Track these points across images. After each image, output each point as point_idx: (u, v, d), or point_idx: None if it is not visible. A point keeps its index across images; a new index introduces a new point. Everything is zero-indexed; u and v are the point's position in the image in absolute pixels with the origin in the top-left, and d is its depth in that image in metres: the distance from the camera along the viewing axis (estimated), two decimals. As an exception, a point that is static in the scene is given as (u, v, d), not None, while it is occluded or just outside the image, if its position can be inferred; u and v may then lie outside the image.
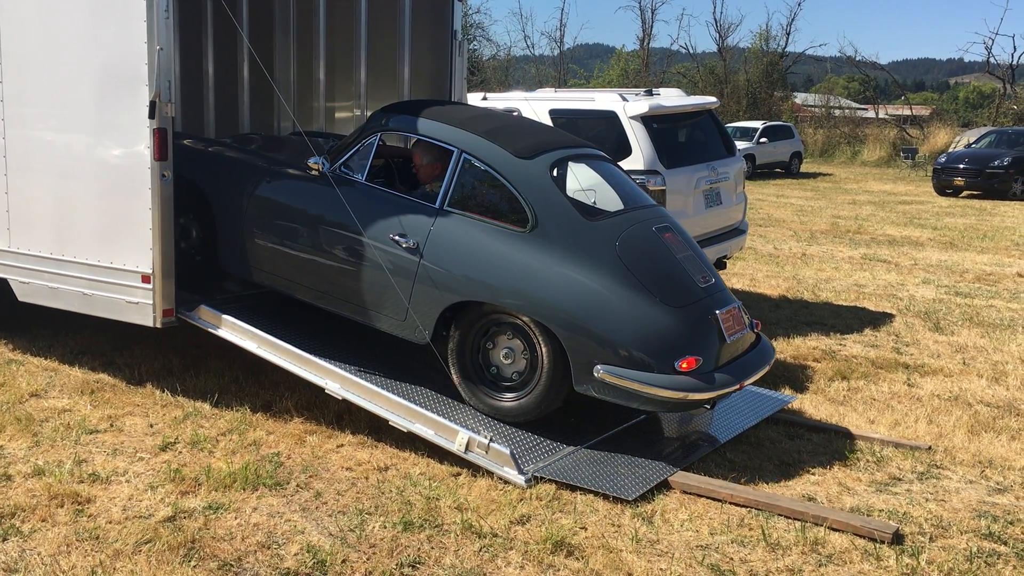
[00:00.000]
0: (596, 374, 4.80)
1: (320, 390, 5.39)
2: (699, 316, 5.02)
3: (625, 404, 4.91)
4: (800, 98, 48.29)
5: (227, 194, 5.97)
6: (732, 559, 4.03)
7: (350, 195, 5.46)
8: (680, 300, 5.01)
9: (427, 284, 5.18)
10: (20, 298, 6.37)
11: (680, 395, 4.78)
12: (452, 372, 5.24)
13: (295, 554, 3.95)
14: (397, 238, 5.25)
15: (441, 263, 5.16)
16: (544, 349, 4.96)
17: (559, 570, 3.90)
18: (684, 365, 4.80)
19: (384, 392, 5.15)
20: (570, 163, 5.53)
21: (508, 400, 5.13)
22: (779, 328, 8.05)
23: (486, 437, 4.79)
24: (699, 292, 5.12)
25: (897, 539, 4.20)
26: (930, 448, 5.35)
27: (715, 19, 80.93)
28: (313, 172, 5.61)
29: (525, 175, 5.19)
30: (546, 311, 4.89)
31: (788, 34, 50.85)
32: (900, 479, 4.94)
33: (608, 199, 5.59)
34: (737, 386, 5.01)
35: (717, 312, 5.06)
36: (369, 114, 6.31)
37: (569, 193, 5.30)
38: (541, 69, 49.37)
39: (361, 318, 5.52)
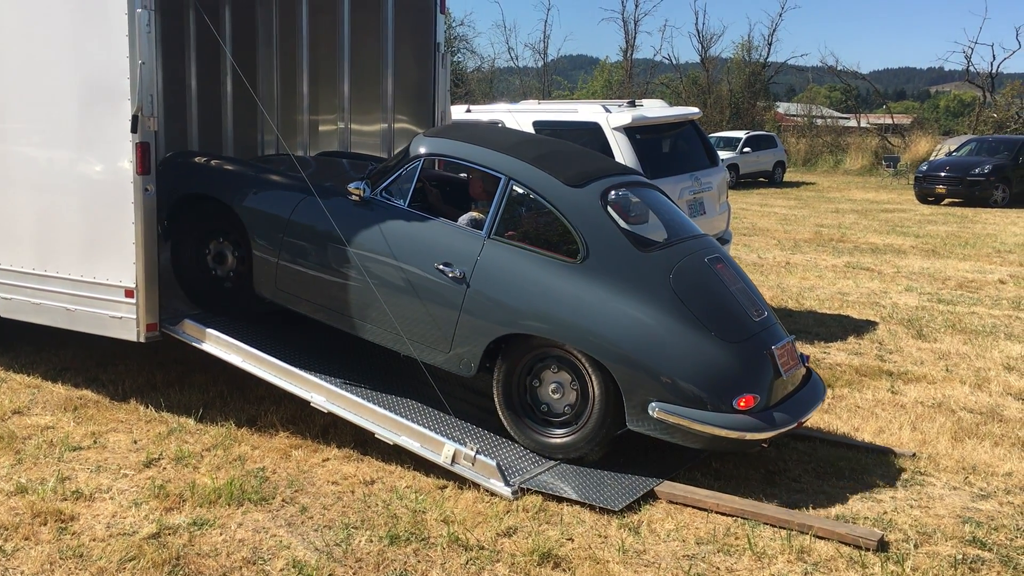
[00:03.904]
0: (652, 412, 4.67)
1: (305, 404, 5.37)
2: (755, 352, 4.88)
3: (679, 443, 4.79)
4: (783, 108, 48.59)
5: (263, 218, 5.73)
6: (718, 568, 4.04)
7: (393, 222, 5.33)
8: (736, 335, 4.87)
9: (474, 315, 5.03)
10: (2, 314, 6.33)
11: (738, 434, 4.64)
12: (497, 406, 5.11)
13: (281, 569, 3.94)
14: (442, 267, 5.10)
15: (488, 294, 5.01)
16: (595, 384, 4.82)
17: (546, 582, 3.90)
18: (742, 403, 4.67)
19: (370, 405, 5.14)
20: (621, 191, 5.39)
21: (556, 436, 4.98)
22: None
23: (472, 449, 4.78)
24: (754, 326, 4.98)
25: (882, 546, 4.22)
26: (914, 455, 5.38)
27: (697, 30, 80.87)
28: (354, 197, 5.44)
29: (575, 204, 5.05)
30: (599, 346, 4.75)
31: (770, 44, 51.41)
32: (884, 486, 4.96)
33: (657, 229, 5.44)
34: (795, 424, 4.85)
35: (773, 347, 4.93)
36: (411, 138, 6.01)
37: (619, 222, 5.12)
38: (525, 81, 49.51)
39: (403, 349, 5.32)
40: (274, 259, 5.67)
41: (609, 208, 5.12)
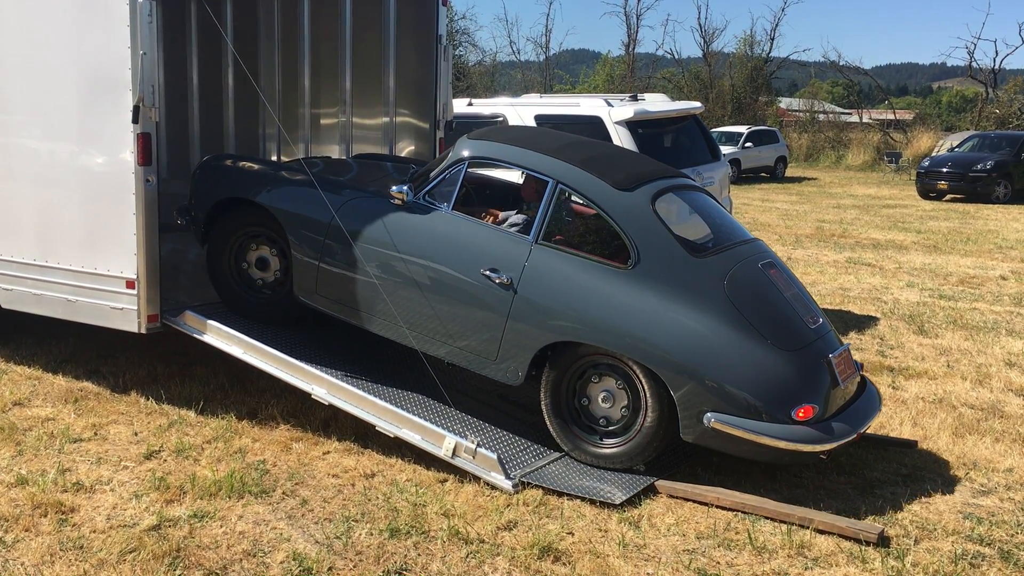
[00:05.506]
0: (707, 423, 4.57)
1: (306, 397, 5.37)
2: (812, 360, 4.77)
3: (735, 454, 4.71)
4: (785, 103, 48.55)
5: (304, 222, 5.58)
6: (719, 563, 4.04)
7: (436, 226, 5.24)
8: (792, 343, 4.77)
9: (522, 322, 4.91)
10: (4, 305, 6.33)
11: (796, 446, 4.53)
12: (544, 414, 5.02)
13: (281, 562, 3.94)
14: (489, 273, 4.99)
15: (536, 300, 4.89)
16: (648, 394, 4.73)
17: None
18: (801, 414, 4.55)
19: (371, 397, 5.14)
20: (669, 195, 5.25)
21: (606, 446, 4.88)
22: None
23: (473, 442, 4.78)
24: (810, 334, 4.86)
25: (882, 541, 4.22)
26: (915, 443, 5.39)
27: (700, 24, 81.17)
28: (396, 201, 5.32)
29: (625, 208, 4.93)
30: (652, 354, 4.65)
31: (772, 39, 51.32)
32: (885, 482, 4.96)
33: (708, 233, 5.31)
34: (855, 435, 4.74)
35: (830, 356, 4.83)
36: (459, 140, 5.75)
37: (670, 227, 4.96)
38: (527, 75, 49.51)
39: (447, 356, 5.23)
40: (315, 263, 5.55)
41: (659, 212, 4.99)
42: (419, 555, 4.03)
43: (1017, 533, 4.39)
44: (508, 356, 5.01)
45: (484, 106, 9.39)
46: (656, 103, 9.02)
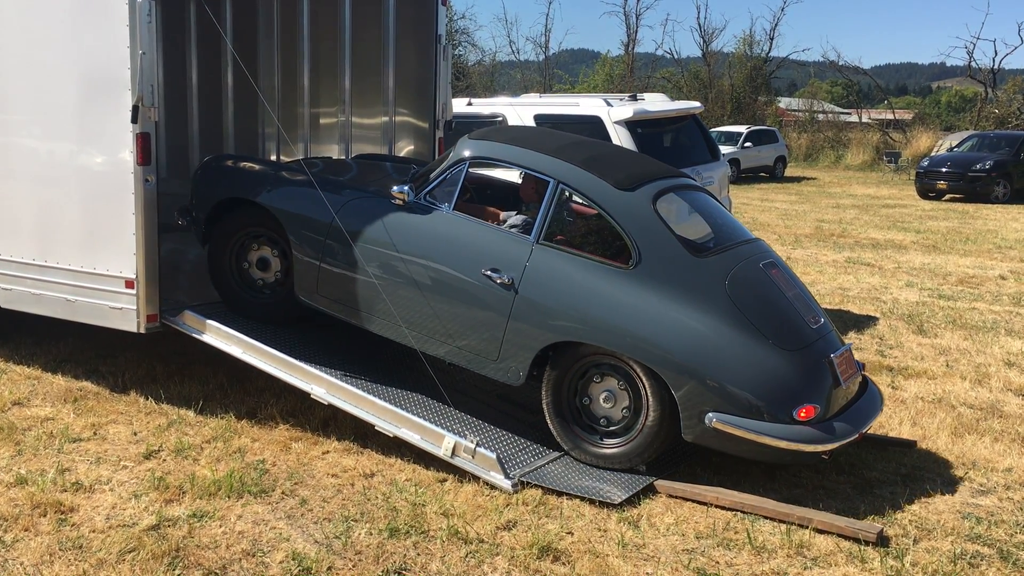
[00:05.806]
0: (708, 423, 4.57)
1: (306, 396, 5.37)
2: (814, 360, 4.78)
3: (736, 454, 4.71)
4: (784, 103, 48.55)
5: (305, 222, 5.57)
6: (718, 563, 4.04)
7: (437, 226, 5.25)
8: (794, 343, 4.77)
9: (523, 322, 4.91)
10: (3, 305, 6.33)
11: (798, 446, 4.53)
12: (545, 415, 5.02)
13: (280, 562, 3.94)
14: (490, 273, 5.00)
15: (538, 300, 4.89)
16: (649, 394, 4.73)
17: (545, 575, 3.90)
18: (802, 414, 4.56)
19: (370, 397, 5.14)
20: (670, 195, 5.22)
21: (607, 446, 4.88)
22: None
23: (472, 442, 4.78)
24: (812, 334, 4.87)
25: (882, 541, 4.22)
26: (914, 443, 5.40)
27: (699, 24, 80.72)
28: (397, 201, 5.32)
29: (627, 208, 4.94)
30: (654, 355, 4.66)
31: (772, 39, 51.25)
32: (884, 482, 4.97)
33: (709, 233, 5.31)
34: (856, 436, 4.74)
35: (832, 355, 4.83)
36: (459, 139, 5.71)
37: (672, 227, 4.96)
38: (526, 74, 49.47)
39: (447, 356, 5.24)
40: (316, 263, 5.54)
41: (660, 212, 4.99)
42: (418, 555, 4.03)
43: (1016, 533, 4.40)
44: (509, 356, 5.01)
45: (484, 106, 9.40)
46: (655, 103, 9.02)
